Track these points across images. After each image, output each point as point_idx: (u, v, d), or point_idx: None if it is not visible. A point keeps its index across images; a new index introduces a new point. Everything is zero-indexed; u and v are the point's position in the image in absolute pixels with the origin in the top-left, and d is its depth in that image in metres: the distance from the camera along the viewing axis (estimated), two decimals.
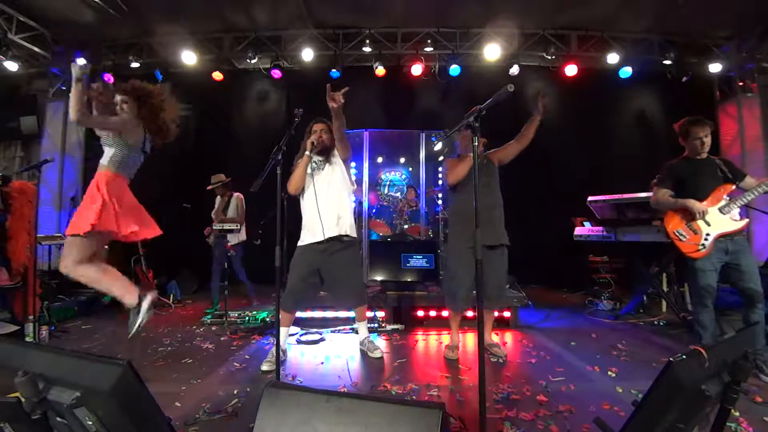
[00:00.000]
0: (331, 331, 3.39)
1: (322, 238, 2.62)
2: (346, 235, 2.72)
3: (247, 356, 2.83)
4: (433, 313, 3.58)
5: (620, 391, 2.15)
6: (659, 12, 4.96)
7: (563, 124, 5.77)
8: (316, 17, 5.40)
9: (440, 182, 5.40)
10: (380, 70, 5.69)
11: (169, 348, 3.02)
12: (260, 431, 1.01)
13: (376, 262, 4.05)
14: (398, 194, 5.98)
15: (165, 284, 5.05)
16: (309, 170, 2.69)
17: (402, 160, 6.24)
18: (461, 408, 1.98)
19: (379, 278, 3.94)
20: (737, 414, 1.78)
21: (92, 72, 5.79)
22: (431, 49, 5.61)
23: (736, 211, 2.40)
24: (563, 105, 5.83)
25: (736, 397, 0.96)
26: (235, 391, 2.16)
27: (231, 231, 4.11)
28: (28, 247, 3.31)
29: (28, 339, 2.99)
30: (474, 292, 2.58)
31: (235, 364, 2.66)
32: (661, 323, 3.66)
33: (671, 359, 0.94)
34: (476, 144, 1.58)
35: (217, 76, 5.85)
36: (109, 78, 5.69)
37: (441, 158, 5.56)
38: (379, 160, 6.12)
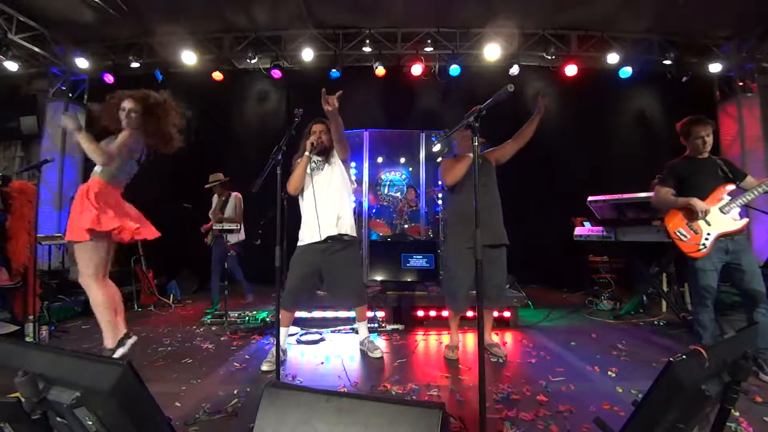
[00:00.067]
0: (331, 331, 3.39)
1: (322, 238, 2.62)
2: (347, 235, 2.72)
3: (247, 356, 2.83)
4: (433, 313, 3.58)
5: (620, 391, 2.15)
6: (659, 12, 4.95)
7: (563, 124, 5.77)
8: (316, 17, 5.39)
9: (439, 182, 5.39)
10: (380, 70, 5.68)
11: (169, 348, 3.02)
12: (260, 431, 1.01)
13: (376, 262, 4.05)
14: (398, 194, 5.97)
15: (165, 284, 5.05)
16: (308, 170, 2.69)
17: (402, 160, 6.24)
18: (461, 408, 1.98)
19: (379, 278, 3.94)
20: (737, 414, 1.78)
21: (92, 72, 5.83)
22: (431, 49, 5.61)
23: (736, 211, 2.39)
24: (563, 105, 5.84)
25: (736, 397, 0.96)
26: (235, 391, 2.16)
27: (231, 231, 4.12)
28: (28, 247, 3.31)
29: (28, 339, 2.98)
30: (474, 292, 2.58)
31: (235, 364, 2.66)
32: (661, 323, 3.65)
33: (671, 359, 0.94)
34: (476, 144, 1.58)
35: (217, 76, 5.85)
36: (109, 78, 5.69)
37: (440, 159, 5.56)
38: (379, 160, 6.12)
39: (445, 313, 3.18)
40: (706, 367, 0.93)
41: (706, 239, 2.37)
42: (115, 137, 2.39)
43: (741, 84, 5.67)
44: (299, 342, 3.15)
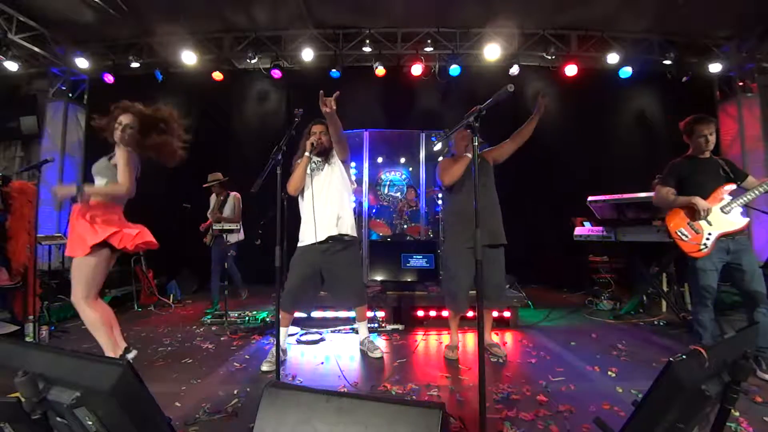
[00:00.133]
0: (331, 331, 3.39)
1: (322, 239, 2.62)
2: (347, 235, 2.72)
3: (247, 356, 2.83)
4: (433, 313, 3.58)
5: (620, 391, 2.15)
6: (659, 12, 4.95)
7: (563, 124, 5.77)
8: (316, 17, 5.39)
9: (437, 182, 5.40)
10: (380, 70, 5.69)
11: (169, 348, 3.02)
12: (260, 431, 1.01)
13: (376, 262, 4.05)
14: (398, 194, 5.98)
15: (165, 284, 5.05)
16: (308, 171, 2.69)
17: (402, 160, 6.24)
18: (461, 408, 1.98)
19: (379, 278, 3.94)
20: (737, 414, 1.78)
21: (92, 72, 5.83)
22: (431, 49, 5.61)
23: (737, 211, 2.39)
24: (563, 105, 5.84)
25: (736, 397, 0.96)
26: (235, 391, 2.16)
27: (231, 231, 4.12)
28: (28, 247, 3.31)
29: (28, 339, 2.98)
30: (474, 292, 2.58)
31: (235, 364, 2.66)
32: (661, 323, 3.65)
33: (671, 359, 0.94)
34: (476, 144, 1.58)
35: (217, 76, 5.85)
36: (109, 78, 5.69)
37: (440, 158, 5.56)
38: (379, 160, 6.12)
39: (445, 313, 3.18)
40: (706, 367, 0.93)
41: (707, 239, 2.37)
42: (113, 153, 2.35)
43: (741, 84, 5.67)
44: (299, 342, 3.15)
